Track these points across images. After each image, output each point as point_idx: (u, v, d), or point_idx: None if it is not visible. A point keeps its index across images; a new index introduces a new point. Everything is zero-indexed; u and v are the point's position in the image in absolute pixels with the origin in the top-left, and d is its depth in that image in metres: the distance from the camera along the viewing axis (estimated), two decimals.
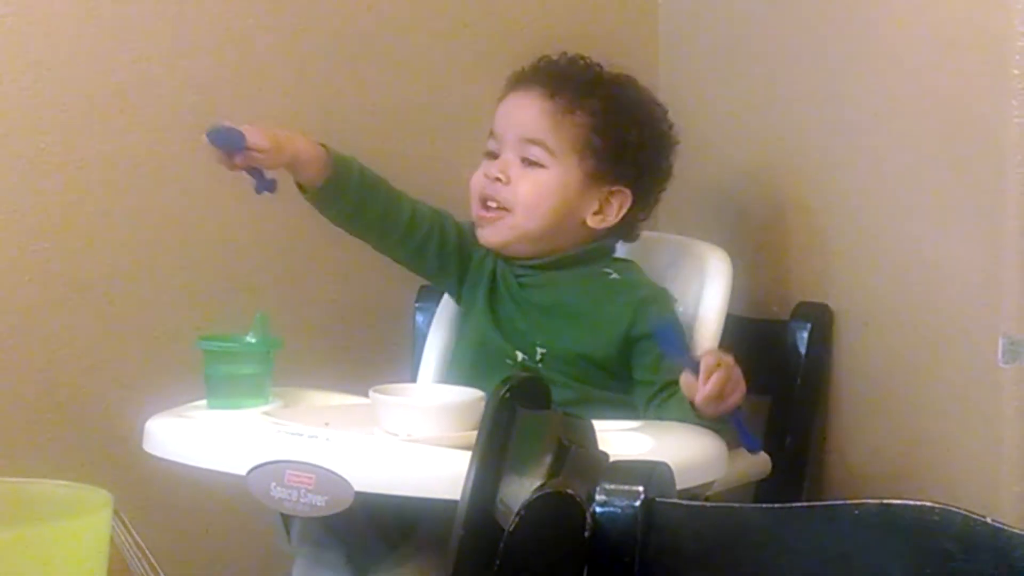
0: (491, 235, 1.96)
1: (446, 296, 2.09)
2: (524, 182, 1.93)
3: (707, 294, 1.97)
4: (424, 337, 2.10)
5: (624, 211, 1.96)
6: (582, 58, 2.00)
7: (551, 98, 1.93)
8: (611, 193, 1.95)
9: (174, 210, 2.14)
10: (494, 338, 1.96)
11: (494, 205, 1.94)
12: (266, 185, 1.89)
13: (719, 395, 1.72)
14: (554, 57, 2.00)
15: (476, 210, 1.97)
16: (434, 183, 2.08)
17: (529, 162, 1.93)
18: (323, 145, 1.91)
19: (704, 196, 2.27)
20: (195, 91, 2.14)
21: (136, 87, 2.10)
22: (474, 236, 2.00)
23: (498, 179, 1.93)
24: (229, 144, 1.84)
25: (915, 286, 1.94)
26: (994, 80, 1.80)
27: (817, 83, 2.11)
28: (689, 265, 2.02)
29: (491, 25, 2.33)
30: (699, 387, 1.72)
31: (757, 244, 2.20)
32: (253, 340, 1.78)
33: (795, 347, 2.07)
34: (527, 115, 1.94)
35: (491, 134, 1.97)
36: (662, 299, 1.94)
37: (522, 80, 1.97)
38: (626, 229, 1.99)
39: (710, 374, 1.72)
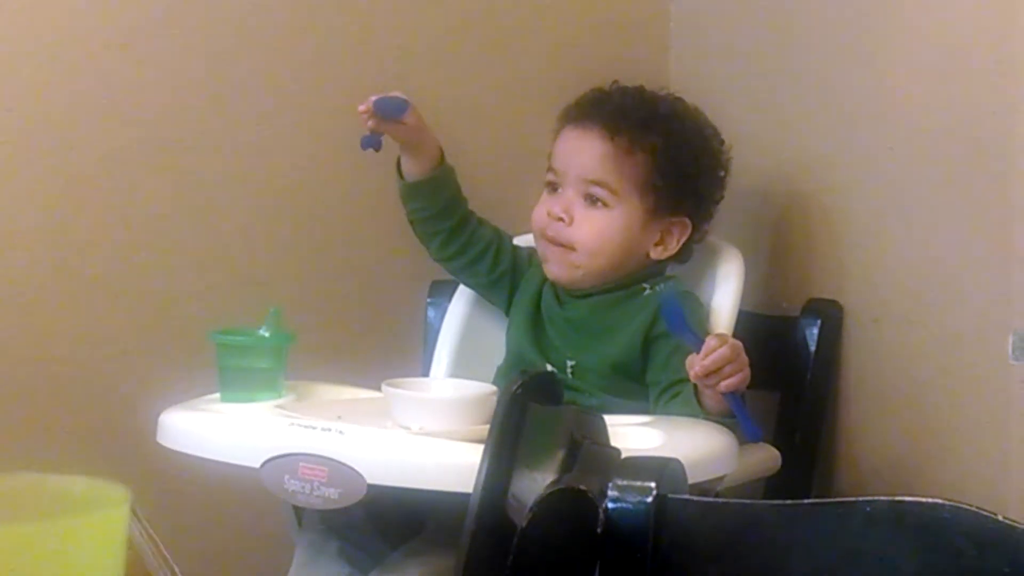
0: (557, 271, 1.97)
1: (458, 291, 2.10)
2: (587, 223, 1.93)
3: (719, 291, 1.98)
4: (436, 332, 2.11)
5: (684, 239, 1.97)
6: (632, 88, 2.00)
7: (611, 140, 1.92)
8: (671, 224, 1.96)
9: (189, 205, 2.14)
10: (529, 353, 1.98)
11: (557, 242, 1.95)
12: (372, 142, 1.91)
13: (717, 371, 1.72)
14: (606, 90, 2.00)
15: (540, 246, 1.98)
16: None
17: (592, 199, 1.93)
18: (440, 147, 1.97)
19: None
20: (213, 86, 2.14)
21: (151, 82, 2.10)
22: (527, 259, 2.03)
23: (560, 219, 1.94)
24: (391, 112, 1.89)
25: (925, 282, 1.94)
26: (1004, 78, 1.80)
27: (829, 81, 2.11)
28: (702, 262, 2.03)
29: (496, 22, 2.33)
30: (697, 361, 1.72)
31: (768, 240, 2.20)
32: (266, 334, 1.79)
33: (805, 343, 2.07)
34: (588, 157, 1.93)
35: (550, 168, 1.98)
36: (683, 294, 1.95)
37: (579, 118, 1.96)
38: (682, 254, 2.00)
39: (711, 351, 1.72)
